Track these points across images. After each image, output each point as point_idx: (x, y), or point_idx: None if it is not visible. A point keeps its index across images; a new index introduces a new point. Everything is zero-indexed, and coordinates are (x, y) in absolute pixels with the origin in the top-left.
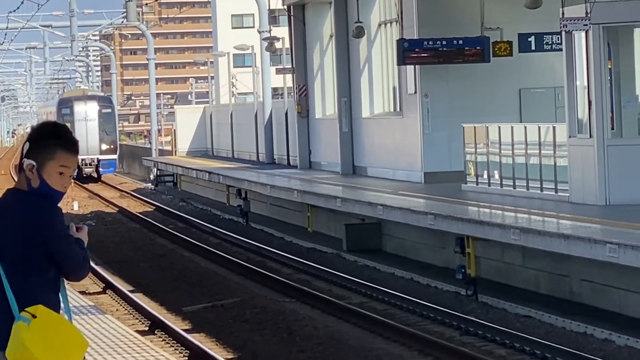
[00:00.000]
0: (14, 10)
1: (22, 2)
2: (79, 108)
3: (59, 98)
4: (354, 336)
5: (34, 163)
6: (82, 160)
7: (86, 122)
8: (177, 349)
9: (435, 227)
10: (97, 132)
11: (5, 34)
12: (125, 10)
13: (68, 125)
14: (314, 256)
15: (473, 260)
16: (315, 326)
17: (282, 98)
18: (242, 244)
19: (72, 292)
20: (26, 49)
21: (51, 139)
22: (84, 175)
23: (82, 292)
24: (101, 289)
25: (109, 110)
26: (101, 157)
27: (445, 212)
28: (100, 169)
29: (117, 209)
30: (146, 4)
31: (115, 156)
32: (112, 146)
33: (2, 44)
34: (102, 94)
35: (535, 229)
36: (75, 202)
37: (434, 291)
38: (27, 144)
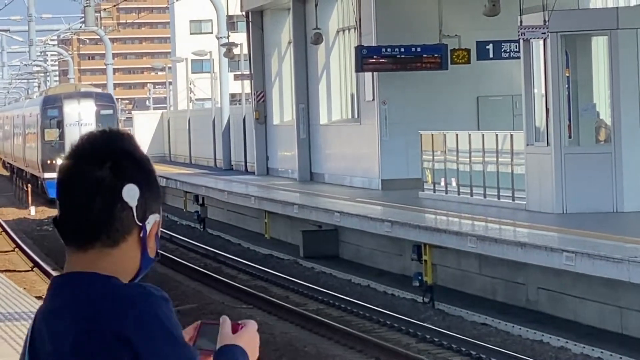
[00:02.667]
0: None
1: None
2: (71, 108)
3: (44, 95)
4: (311, 342)
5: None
6: None
7: (79, 127)
8: None
9: (392, 234)
10: None
11: None
12: (83, 15)
13: (56, 131)
14: (271, 262)
15: (430, 268)
16: (272, 332)
17: (240, 104)
18: (199, 250)
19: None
20: None
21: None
22: None
23: (39, 298)
24: None
25: (110, 111)
26: None
27: (402, 219)
28: None
29: None
30: (104, 9)
31: None
32: None
33: None
34: (99, 90)
35: (492, 237)
36: (32, 208)
37: (390, 298)
38: (133, 186)
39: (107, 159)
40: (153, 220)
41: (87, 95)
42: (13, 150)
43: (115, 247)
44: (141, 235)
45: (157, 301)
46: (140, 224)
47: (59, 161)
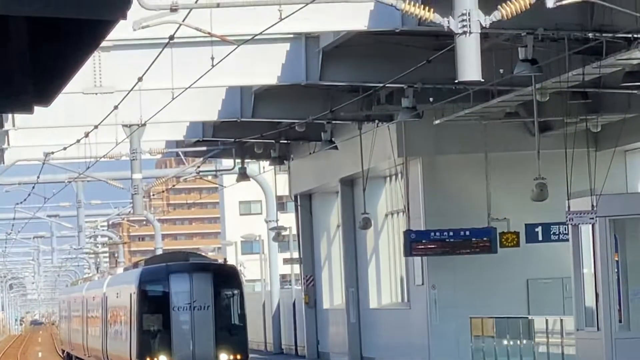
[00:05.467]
0: (21, 202)
1: (29, 195)
2: (180, 287)
3: (141, 268)
4: None
5: None
6: None
7: (192, 312)
8: None
9: None
10: (211, 331)
11: (13, 225)
12: (132, 201)
13: (159, 318)
14: None
15: None
16: None
17: (290, 285)
18: None
19: None
20: (34, 238)
21: None
22: None
23: None
24: None
25: (235, 291)
26: None
27: None
28: None
29: None
30: (153, 195)
31: None
32: (239, 356)
33: (9, 234)
34: (218, 261)
35: None
36: None
37: None
38: None
39: None
40: None
41: (202, 267)
42: (86, 341)
43: None
44: None
45: None
46: None
47: (163, 359)
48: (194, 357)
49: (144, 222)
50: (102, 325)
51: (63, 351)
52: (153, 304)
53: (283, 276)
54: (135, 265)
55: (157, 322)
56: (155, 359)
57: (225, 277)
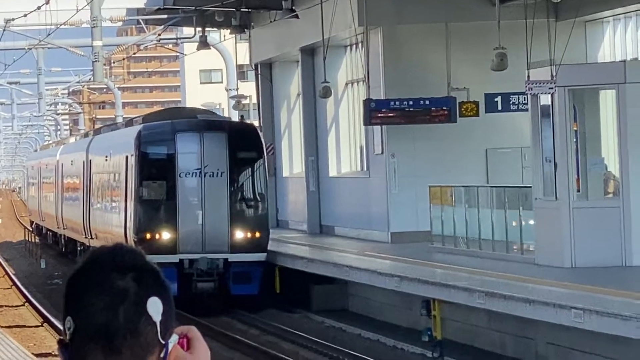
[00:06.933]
0: None
1: None
2: (188, 148)
3: (141, 126)
4: None
5: None
6: (192, 263)
7: (202, 178)
8: None
9: (400, 289)
10: (225, 203)
11: None
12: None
13: (162, 185)
14: (281, 317)
15: (439, 323)
16: None
17: None
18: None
19: None
20: None
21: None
22: (196, 291)
23: None
24: None
25: (255, 154)
26: (233, 257)
27: (411, 274)
28: (231, 284)
29: None
30: (114, 63)
31: (263, 256)
32: (257, 234)
33: None
34: (232, 119)
35: (500, 293)
36: (42, 261)
37: (400, 353)
38: (157, 299)
39: (129, 269)
40: (174, 340)
41: (215, 125)
42: (60, 213)
43: None
44: (162, 355)
45: None
46: (163, 342)
47: (166, 235)
48: (203, 233)
49: (104, 90)
50: (83, 195)
51: (31, 223)
52: (155, 169)
53: None
54: (130, 123)
55: (160, 191)
56: (157, 235)
57: (243, 138)
